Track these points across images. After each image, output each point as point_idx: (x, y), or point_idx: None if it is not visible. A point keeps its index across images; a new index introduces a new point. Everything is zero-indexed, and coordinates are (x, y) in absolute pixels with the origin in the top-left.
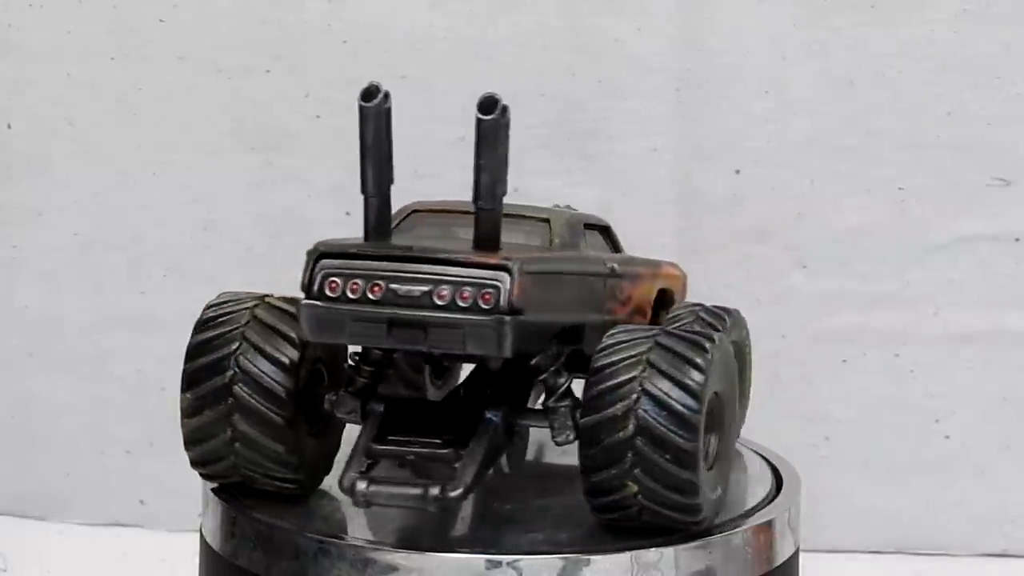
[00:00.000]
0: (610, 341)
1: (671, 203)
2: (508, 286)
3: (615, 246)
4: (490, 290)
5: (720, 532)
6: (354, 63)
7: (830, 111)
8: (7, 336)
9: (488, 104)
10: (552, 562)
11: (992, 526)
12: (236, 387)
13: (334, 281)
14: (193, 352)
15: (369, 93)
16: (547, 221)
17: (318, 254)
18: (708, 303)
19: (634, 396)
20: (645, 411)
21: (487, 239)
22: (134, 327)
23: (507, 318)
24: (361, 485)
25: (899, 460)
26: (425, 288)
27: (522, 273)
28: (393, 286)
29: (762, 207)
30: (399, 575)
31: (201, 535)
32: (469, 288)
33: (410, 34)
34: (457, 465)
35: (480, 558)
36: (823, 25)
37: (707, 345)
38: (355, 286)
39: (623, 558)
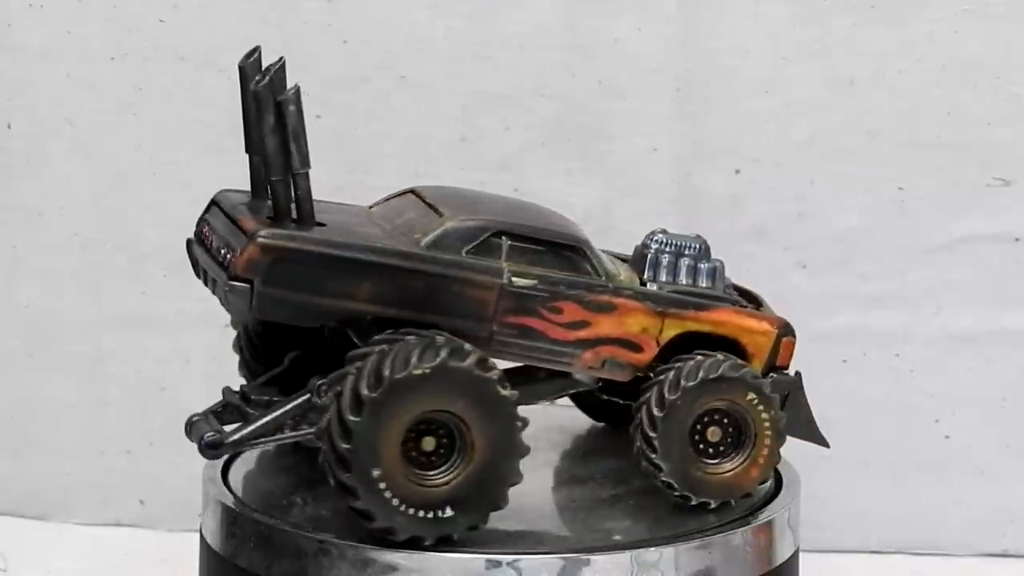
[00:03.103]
0: (377, 338)
1: (671, 203)
2: (239, 254)
3: (593, 268)
4: (235, 255)
5: (720, 532)
6: (354, 63)
7: (830, 111)
8: (7, 336)
9: (259, 76)
10: (552, 562)
11: (992, 526)
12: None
13: (204, 226)
14: None
15: (248, 53)
16: (441, 216)
17: (212, 201)
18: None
19: (337, 391)
20: (333, 409)
21: (279, 211)
22: (134, 327)
23: (229, 282)
24: (195, 417)
25: (899, 460)
26: (220, 246)
27: (261, 247)
28: (215, 240)
29: (762, 207)
30: (399, 575)
31: (201, 535)
32: (233, 252)
33: (410, 34)
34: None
35: (480, 558)
36: (823, 25)
37: (416, 358)
38: (208, 235)
39: (623, 558)
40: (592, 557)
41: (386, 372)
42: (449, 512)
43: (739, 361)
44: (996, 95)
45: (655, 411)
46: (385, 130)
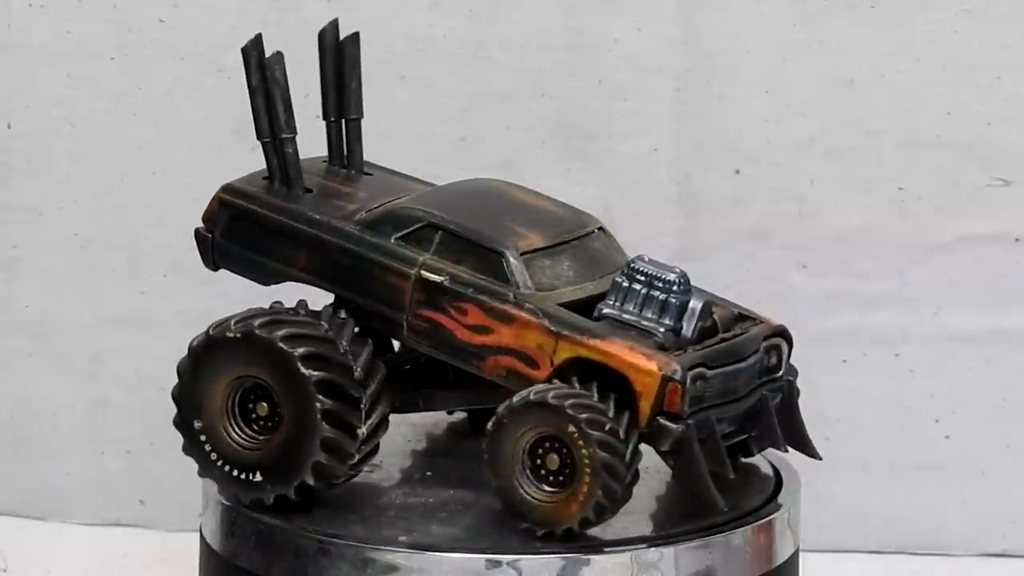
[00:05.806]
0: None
1: (671, 203)
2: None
3: (509, 276)
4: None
5: (720, 532)
6: None
7: (830, 111)
8: (7, 336)
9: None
10: (552, 562)
11: (992, 526)
12: None
13: None
14: None
15: (333, 22)
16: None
17: None
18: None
19: None
20: None
21: (271, 171)
22: (134, 327)
23: (198, 230)
24: None
25: (899, 460)
26: None
27: (219, 200)
28: None
29: (762, 207)
30: (399, 575)
31: (201, 535)
32: None
33: (410, 34)
34: None
35: (480, 558)
36: (823, 25)
37: (233, 322)
38: None
39: (623, 558)
40: (592, 557)
41: (210, 330)
42: (259, 477)
43: (572, 391)
44: (996, 95)
45: (489, 426)
46: (385, 130)
